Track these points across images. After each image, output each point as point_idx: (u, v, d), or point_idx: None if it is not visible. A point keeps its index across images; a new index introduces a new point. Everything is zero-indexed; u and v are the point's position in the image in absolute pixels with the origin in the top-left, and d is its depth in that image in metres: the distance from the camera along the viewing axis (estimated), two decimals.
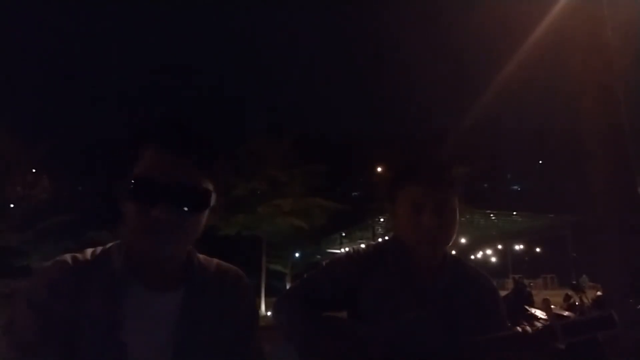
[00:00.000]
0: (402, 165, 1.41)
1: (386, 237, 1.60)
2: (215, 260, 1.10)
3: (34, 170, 20.65)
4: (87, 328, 0.88)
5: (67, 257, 0.96)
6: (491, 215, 26.78)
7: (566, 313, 7.00)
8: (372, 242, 1.62)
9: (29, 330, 0.86)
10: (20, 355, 0.84)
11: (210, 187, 0.96)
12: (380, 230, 25.38)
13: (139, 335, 0.91)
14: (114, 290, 0.93)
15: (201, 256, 1.07)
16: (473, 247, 32.66)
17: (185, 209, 0.92)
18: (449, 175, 1.31)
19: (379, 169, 27.96)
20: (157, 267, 0.97)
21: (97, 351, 0.88)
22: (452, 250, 1.41)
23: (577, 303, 7.55)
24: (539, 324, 1.13)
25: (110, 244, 1.01)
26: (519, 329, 1.15)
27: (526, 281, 11.07)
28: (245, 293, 1.09)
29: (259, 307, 16.53)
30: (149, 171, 0.91)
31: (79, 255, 0.97)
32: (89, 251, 0.99)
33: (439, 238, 1.29)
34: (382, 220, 24.33)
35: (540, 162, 46.87)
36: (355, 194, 33.72)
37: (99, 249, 1.00)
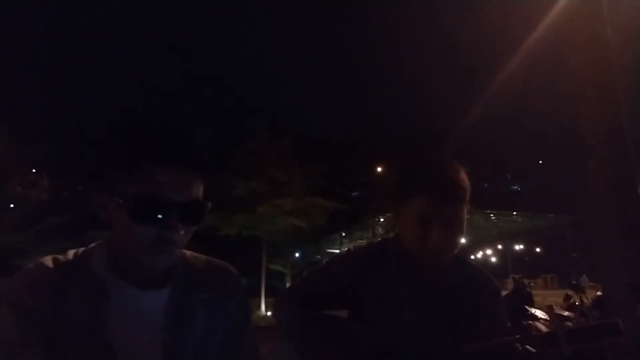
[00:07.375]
0: (409, 173, 1.30)
1: (385, 237, 1.57)
2: (204, 257, 1.08)
3: (34, 170, 20.64)
4: (71, 329, 0.87)
5: (48, 258, 0.95)
6: (491, 215, 26.74)
7: (566, 313, 7.01)
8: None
9: (10, 331, 0.85)
10: (1, 356, 0.84)
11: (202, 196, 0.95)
12: (380, 230, 25.35)
13: (125, 335, 0.90)
14: (96, 290, 0.92)
15: (188, 253, 1.05)
16: (473, 247, 32.63)
17: (190, 224, 0.92)
18: (461, 189, 1.21)
19: (379, 169, 27.98)
20: (143, 267, 0.96)
21: (82, 352, 0.87)
22: None
23: (577, 303, 7.55)
24: (542, 327, 1.10)
25: (92, 244, 1.00)
26: (521, 335, 1.10)
27: (526, 281, 11.06)
28: (235, 289, 1.07)
29: (259, 307, 16.53)
30: (154, 189, 0.87)
31: (60, 257, 0.96)
32: (71, 252, 0.98)
33: (445, 252, 1.24)
34: (382, 220, 24.32)
35: (540, 162, 46.83)
36: (355, 194, 33.71)
37: (81, 249, 0.99)
